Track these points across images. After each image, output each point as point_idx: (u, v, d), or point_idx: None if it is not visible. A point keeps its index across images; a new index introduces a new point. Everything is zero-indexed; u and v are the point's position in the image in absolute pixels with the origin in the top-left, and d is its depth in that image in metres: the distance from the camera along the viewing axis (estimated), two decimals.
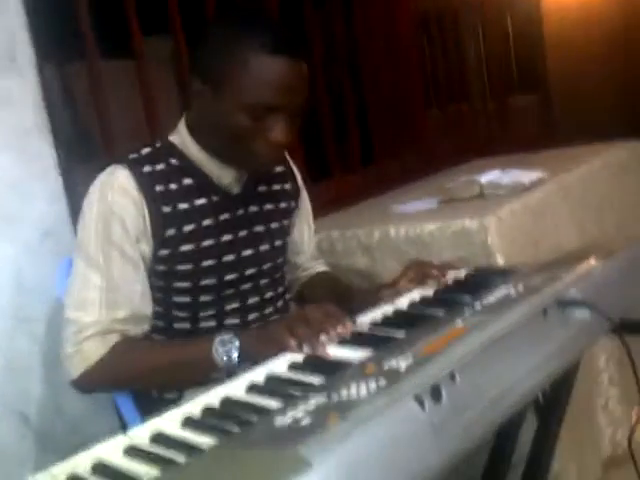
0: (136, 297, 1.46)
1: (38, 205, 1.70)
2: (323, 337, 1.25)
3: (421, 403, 0.83)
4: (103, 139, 2.26)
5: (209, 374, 1.35)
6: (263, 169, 1.54)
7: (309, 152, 3.01)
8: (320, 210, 2.35)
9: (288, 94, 1.40)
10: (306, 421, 0.83)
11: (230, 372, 1.31)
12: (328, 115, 3.16)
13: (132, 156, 1.50)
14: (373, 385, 0.87)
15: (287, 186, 1.71)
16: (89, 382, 1.44)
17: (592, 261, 1.19)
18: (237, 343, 1.33)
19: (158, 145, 1.54)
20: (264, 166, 1.52)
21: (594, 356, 2.16)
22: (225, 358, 1.33)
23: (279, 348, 1.26)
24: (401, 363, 0.93)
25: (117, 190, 1.43)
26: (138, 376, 1.44)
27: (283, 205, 1.68)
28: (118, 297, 1.43)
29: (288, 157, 1.76)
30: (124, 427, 1.61)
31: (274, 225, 1.64)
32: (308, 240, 1.82)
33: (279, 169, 1.70)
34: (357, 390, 0.88)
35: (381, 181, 3.06)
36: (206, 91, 1.44)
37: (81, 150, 1.89)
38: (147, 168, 1.47)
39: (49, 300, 1.68)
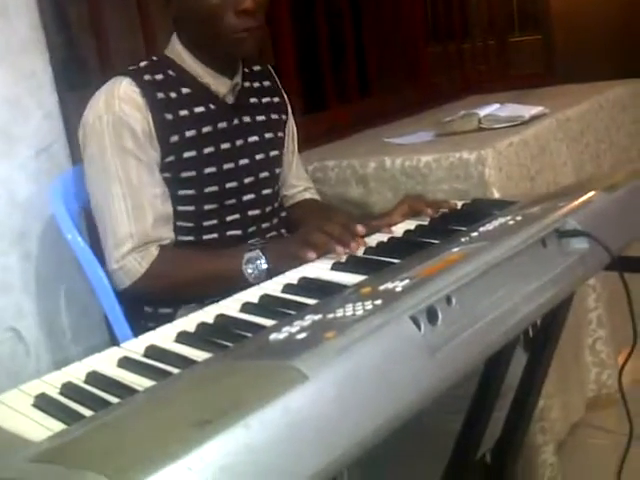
0: (158, 199, 1.51)
1: (33, 121, 1.67)
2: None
3: (417, 323, 0.83)
4: (100, 62, 2.25)
5: (243, 286, 1.36)
6: (245, 45, 1.52)
7: (306, 82, 2.99)
8: (315, 140, 2.34)
9: None
10: (301, 335, 0.82)
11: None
12: (326, 45, 3.12)
13: (131, 67, 1.53)
14: (369, 305, 0.87)
15: (276, 99, 1.75)
16: (135, 294, 1.52)
17: (592, 193, 1.19)
18: (264, 260, 1.40)
19: (155, 58, 1.58)
20: (244, 41, 1.50)
21: (583, 295, 2.17)
22: (255, 275, 1.40)
23: (301, 262, 1.30)
24: (397, 285, 0.93)
25: (123, 98, 1.47)
26: (178, 289, 1.51)
27: (274, 117, 1.72)
28: (142, 202, 1.48)
29: (273, 73, 1.79)
30: (116, 342, 1.63)
31: (268, 135, 1.68)
32: (292, 157, 1.83)
33: (266, 84, 1.73)
34: (353, 309, 0.87)
35: (378, 113, 3.03)
36: None
37: (75, 75, 1.86)
38: (147, 77, 1.51)
39: (42, 217, 1.68)
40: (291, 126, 1.82)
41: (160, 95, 1.50)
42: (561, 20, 5.08)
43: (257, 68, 1.73)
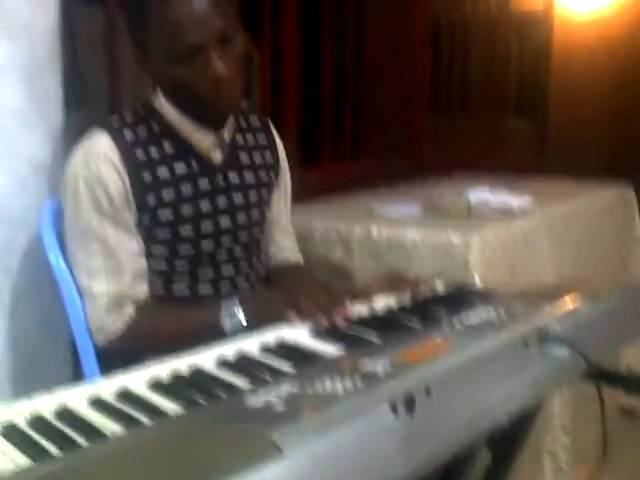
0: (134, 256, 1.50)
1: (37, 138, 1.67)
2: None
3: (395, 410, 0.84)
4: (110, 87, 2.27)
5: (218, 339, 1.37)
6: (222, 107, 1.49)
7: (302, 136, 3.02)
8: (304, 196, 2.35)
9: (200, 27, 1.37)
10: (279, 407, 0.83)
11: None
12: (328, 104, 3.16)
13: (115, 122, 1.51)
14: (349, 384, 0.88)
15: (268, 157, 1.69)
16: (113, 352, 1.51)
17: (576, 299, 1.21)
18: (242, 313, 1.42)
19: (140, 110, 1.55)
20: (221, 105, 1.47)
21: (549, 399, 2.18)
22: (231, 329, 1.41)
23: (281, 321, 1.33)
24: (378, 367, 0.94)
25: (100, 158, 1.45)
26: (155, 344, 1.45)
27: (263, 177, 1.66)
28: (119, 259, 1.48)
29: (273, 129, 1.74)
30: (79, 371, 1.62)
31: (252, 197, 1.63)
32: (281, 213, 1.79)
33: (262, 139, 1.68)
34: (332, 386, 0.88)
35: (368, 177, 3.06)
36: (139, 57, 1.47)
37: (75, 93, 1.89)
38: (129, 134, 1.49)
39: (30, 235, 1.66)
40: (284, 185, 1.78)
41: (139, 154, 1.47)
42: (557, 109, 5.19)
43: (254, 120, 1.69)
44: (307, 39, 3.12)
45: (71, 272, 1.54)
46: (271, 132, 1.73)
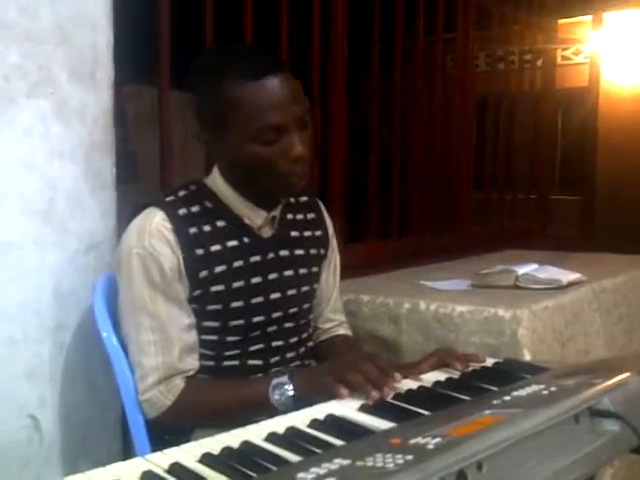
0: (185, 330, 1.53)
1: (89, 218, 1.73)
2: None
3: None
4: (162, 167, 2.33)
5: (269, 412, 1.40)
6: (293, 188, 1.56)
7: (349, 212, 3.06)
8: (352, 271, 2.38)
9: (286, 109, 1.46)
10: None
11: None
12: (374, 181, 3.21)
13: (168, 198, 1.56)
14: (400, 459, 0.87)
15: (318, 233, 1.75)
16: (162, 424, 1.53)
17: (626, 374, 1.19)
18: (291, 388, 1.42)
19: (193, 188, 1.60)
20: (293, 185, 1.54)
21: (601, 470, 2.13)
22: (281, 401, 1.42)
23: (331, 396, 1.33)
24: (429, 441, 0.94)
25: (154, 234, 1.49)
26: (204, 418, 1.51)
27: (313, 252, 1.71)
28: (170, 335, 1.50)
29: (322, 206, 1.80)
30: (128, 446, 1.63)
31: (302, 270, 1.67)
32: (331, 291, 1.83)
33: (311, 216, 1.74)
34: (384, 461, 0.88)
35: (415, 253, 3.09)
36: (211, 138, 1.53)
37: (124, 171, 1.95)
38: (182, 210, 1.53)
39: (82, 311, 1.71)
40: (334, 260, 1.82)
41: (193, 230, 1.51)
42: (603, 183, 5.18)
43: (304, 199, 1.74)
44: (354, 116, 3.18)
45: (123, 346, 1.57)
46: (320, 209, 1.79)
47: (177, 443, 1.14)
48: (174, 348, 1.50)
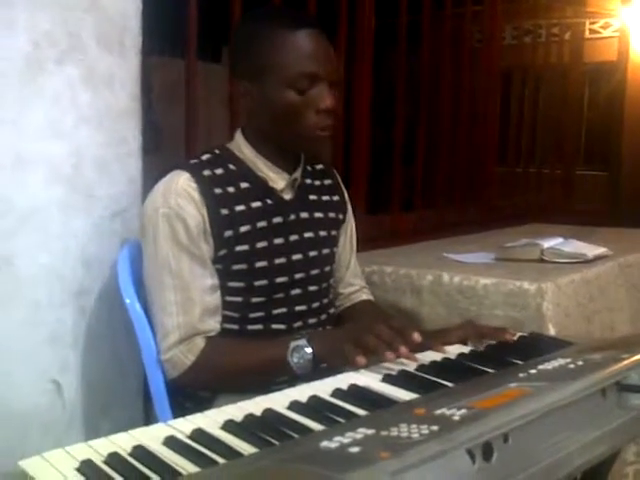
0: (207, 292, 1.53)
1: (115, 185, 1.72)
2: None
3: (472, 457, 0.82)
4: (187, 136, 2.34)
5: (289, 375, 1.44)
6: (317, 142, 1.58)
7: (374, 183, 3.04)
8: (375, 242, 2.37)
9: (322, 60, 1.53)
10: (354, 449, 0.82)
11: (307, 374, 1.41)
12: (400, 153, 3.18)
13: (193, 161, 1.59)
14: (425, 429, 0.87)
15: (335, 198, 1.78)
16: (183, 385, 1.55)
17: None
18: (309, 351, 1.42)
19: (217, 152, 1.63)
20: (320, 139, 1.57)
21: (624, 447, 2.12)
22: (300, 364, 1.42)
23: (348, 363, 1.33)
24: (454, 412, 0.93)
25: (180, 193, 1.51)
26: (225, 380, 1.53)
27: (331, 215, 1.74)
28: (192, 295, 1.51)
29: (337, 173, 1.84)
30: (150, 413, 1.64)
31: (322, 233, 1.70)
32: (349, 255, 1.85)
33: (327, 182, 1.77)
34: (409, 431, 0.87)
35: (439, 225, 3.08)
36: (253, 88, 1.56)
37: (148, 141, 1.95)
38: (207, 172, 1.55)
39: (105, 277, 1.71)
40: (350, 226, 1.85)
41: (217, 191, 1.54)
42: (629, 157, 5.12)
43: (319, 167, 1.77)
44: (380, 88, 3.16)
45: (146, 313, 1.57)
46: (335, 176, 1.82)
47: (198, 410, 1.14)
48: (195, 308, 1.51)
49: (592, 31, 6.12)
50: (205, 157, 1.59)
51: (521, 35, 4.16)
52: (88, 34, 1.65)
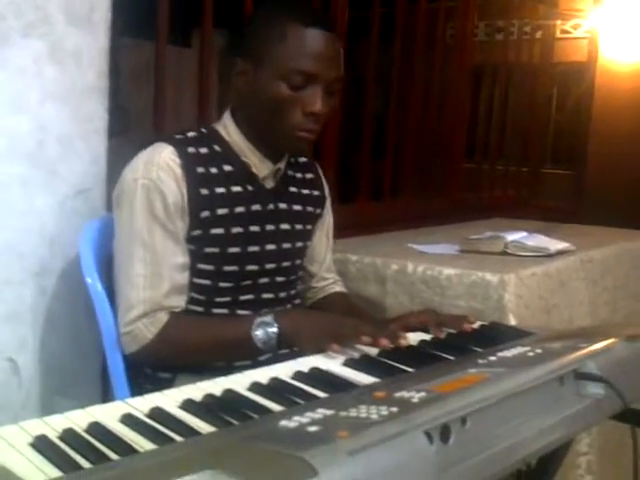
0: (177, 269, 1.52)
1: (79, 163, 1.70)
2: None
3: (430, 439, 0.82)
4: (155, 119, 2.32)
5: (251, 354, 1.44)
6: (298, 142, 1.55)
7: (342, 172, 3.04)
8: (342, 231, 2.36)
9: (323, 63, 1.50)
10: (313, 428, 0.82)
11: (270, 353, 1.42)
12: (368, 143, 3.19)
13: (178, 136, 1.56)
14: (384, 411, 0.87)
15: (315, 192, 1.77)
16: (142, 359, 1.53)
17: (613, 340, 1.19)
18: (275, 327, 1.41)
19: (203, 130, 1.61)
20: (302, 141, 1.55)
21: (577, 437, 2.15)
22: (263, 341, 1.41)
23: (320, 349, 1.32)
24: (413, 395, 0.93)
25: (162, 166, 1.49)
26: (187, 354, 1.52)
27: (309, 209, 1.74)
28: (161, 270, 1.49)
29: (319, 168, 1.83)
30: (109, 395, 1.63)
31: (298, 226, 1.70)
32: (325, 251, 1.85)
33: (309, 176, 1.76)
34: (368, 412, 0.87)
35: (405, 217, 3.08)
36: (248, 69, 1.53)
37: (116, 123, 1.93)
38: (191, 149, 1.53)
39: (68, 257, 1.69)
40: (327, 221, 1.84)
41: (200, 169, 1.52)
42: (595, 158, 5.18)
43: (302, 160, 1.76)
44: (351, 79, 3.15)
45: (107, 289, 1.56)
46: (317, 171, 1.82)
47: (158, 391, 1.12)
48: (163, 284, 1.49)
49: (563, 31, 6.16)
50: (191, 134, 1.57)
51: (493, 32, 4.18)
52: (55, 8, 1.62)
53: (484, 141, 4.17)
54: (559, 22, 5.56)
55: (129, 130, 4.32)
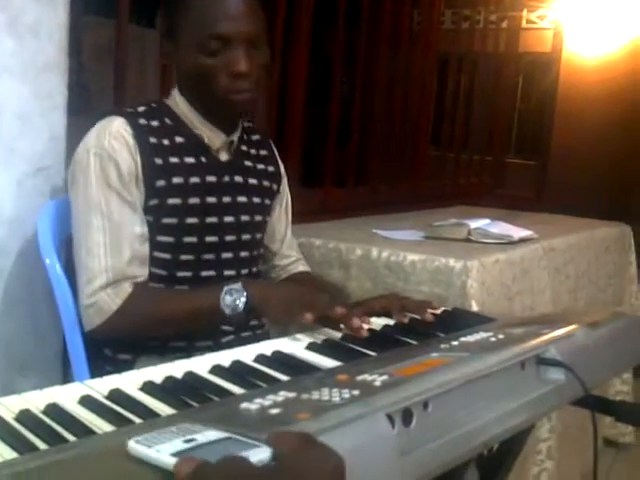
0: (137, 239, 1.49)
1: (38, 141, 1.67)
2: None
3: (392, 422, 0.82)
4: (115, 98, 2.26)
5: (220, 323, 1.44)
6: (236, 102, 1.53)
7: (307, 156, 3.03)
8: (306, 216, 2.36)
9: (232, 22, 1.47)
10: (274, 411, 0.82)
11: (239, 323, 1.42)
12: (334, 129, 3.17)
13: (128, 109, 1.56)
14: (346, 394, 0.86)
15: (270, 168, 1.76)
16: (107, 333, 1.48)
17: (574, 326, 1.20)
18: (244, 294, 1.40)
19: (153, 105, 1.60)
20: (233, 102, 1.52)
21: (538, 424, 2.17)
22: (232, 308, 1.40)
23: (293, 318, 1.31)
24: (375, 378, 0.93)
25: (114, 135, 1.48)
26: (153, 326, 1.48)
27: (265, 184, 1.73)
28: (121, 238, 1.47)
29: (273, 146, 1.82)
30: (69, 378, 1.60)
31: (256, 200, 1.68)
32: (285, 227, 1.84)
33: (264, 152, 1.75)
34: (330, 395, 0.87)
35: (370, 203, 3.08)
36: (171, 48, 1.53)
37: (77, 102, 1.89)
38: (142, 121, 1.53)
39: (26, 237, 1.65)
40: (285, 198, 1.84)
41: (152, 140, 1.51)
42: (558, 149, 5.22)
43: (256, 137, 1.75)
44: (316, 65, 3.14)
45: (66, 271, 1.53)
46: (272, 148, 1.81)
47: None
48: (124, 252, 1.47)
49: (529, 21, 6.21)
50: (141, 108, 1.56)
51: (460, 21, 4.18)
52: None
53: (449, 129, 4.18)
54: (526, 11, 5.60)
55: (90, 109, 4.27)
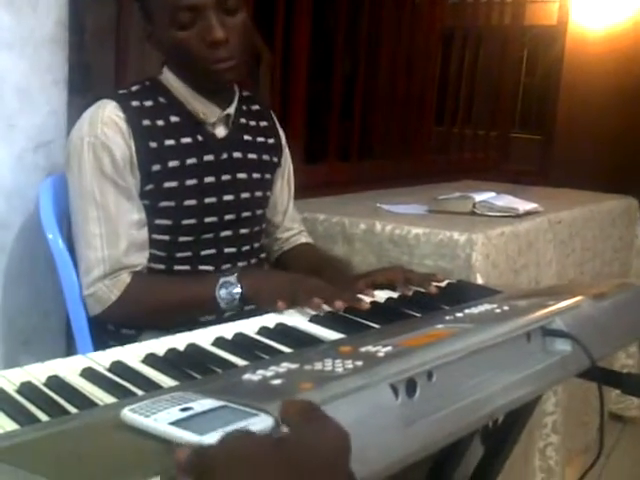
0: (133, 226, 1.48)
1: (38, 116, 1.65)
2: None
3: (395, 393, 0.81)
4: (117, 76, 2.27)
5: (216, 313, 1.43)
6: (219, 72, 1.48)
7: (312, 132, 3.01)
8: (311, 191, 2.35)
9: None
10: (276, 381, 0.81)
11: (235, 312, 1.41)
12: (338, 103, 3.15)
13: (121, 92, 1.53)
14: (350, 364, 0.86)
15: (271, 141, 1.73)
16: (108, 320, 1.51)
17: (580, 298, 1.19)
18: (238, 287, 1.40)
19: (147, 83, 1.57)
20: (218, 70, 1.47)
21: (543, 397, 2.16)
22: (227, 301, 1.40)
23: (285, 306, 1.28)
24: (379, 349, 0.92)
25: (106, 122, 1.45)
26: (150, 315, 1.48)
27: (265, 158, 1.70)
28: (117, 228, 1.46)
29: (274, 116, 1.79)
30: (72, 352, 1.60)
31: (256, 175, 1.66)
32: (287, 200, 1.82)
33: (264, 124, 1.72)
34: (333, 365, 0.86)
35: (375, 177, 3.07)
36: (149, 29, 1.51)
37: (82, 79, 1.88)
38: (135, 103, 1.50)
39: (27, 211, 1.65)
40: (287, 170, 1.81)
41: (146, 122, 1.48)
42: (563, 123, 5.18)
43: (256, 107, 1.72)
44: (319, 41, 3.11)
45: (69, 245, 1.53)
46: (272, 118, 1.77)
47: None
48: (121, 242, 1.46)
49: None
50: (134, 88, 1.54)
51: None
52: None
53: (454, 105, 4.14)
54: None
55: (92, 88, 4.25)
